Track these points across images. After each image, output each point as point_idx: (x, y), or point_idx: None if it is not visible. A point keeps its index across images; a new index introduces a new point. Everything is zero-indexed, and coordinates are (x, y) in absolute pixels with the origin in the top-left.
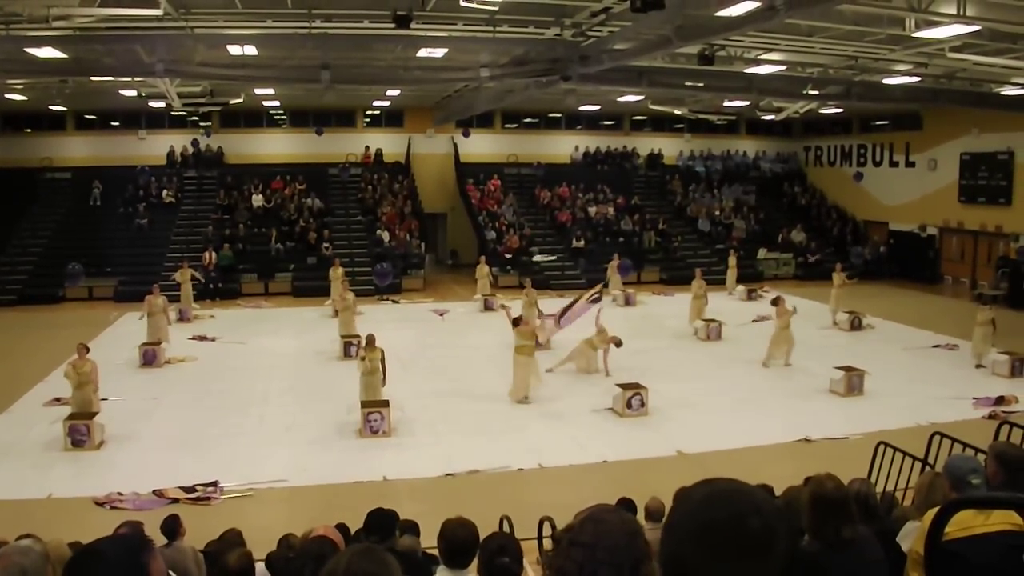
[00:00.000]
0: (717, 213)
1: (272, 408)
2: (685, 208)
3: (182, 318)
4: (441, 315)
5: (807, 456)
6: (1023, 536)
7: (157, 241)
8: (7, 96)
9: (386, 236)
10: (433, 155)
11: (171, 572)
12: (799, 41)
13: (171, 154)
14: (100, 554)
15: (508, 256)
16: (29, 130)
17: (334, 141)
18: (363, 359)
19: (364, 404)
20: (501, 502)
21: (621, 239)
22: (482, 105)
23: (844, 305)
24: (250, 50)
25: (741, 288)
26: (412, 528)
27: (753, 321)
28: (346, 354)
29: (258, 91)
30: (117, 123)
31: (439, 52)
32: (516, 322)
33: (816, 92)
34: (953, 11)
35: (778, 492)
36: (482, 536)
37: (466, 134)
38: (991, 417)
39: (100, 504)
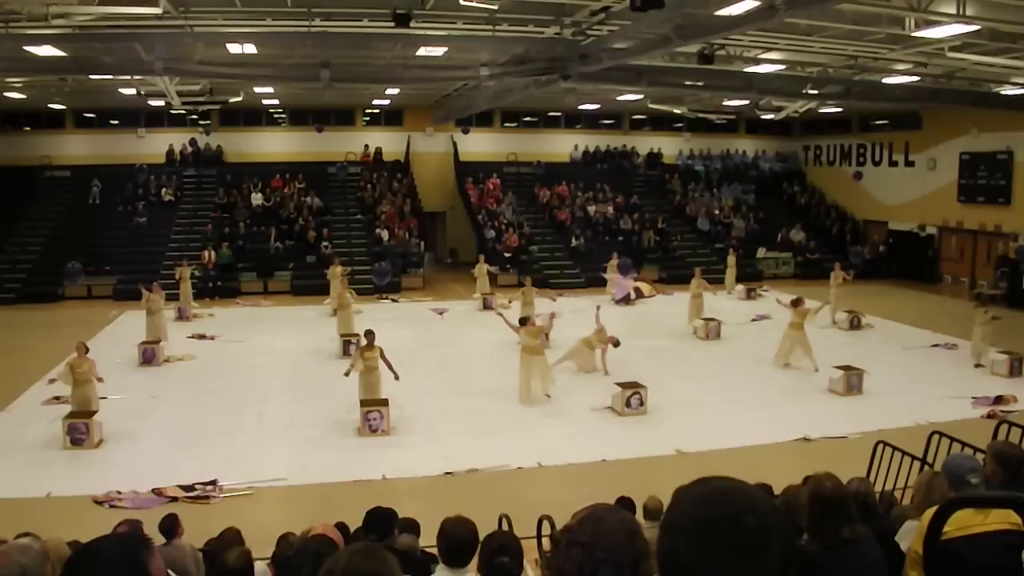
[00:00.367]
0: (716, 212)
1: (271, 407)
2: (684, 207)
3: (181, 317)
4: (440, 314)
5: (806, 455)
6: (1021, 535)
7: (156, 240)
8: (6, 94)
9: (385, 235)
10: (432, 154)
11: (170, 571)
12: (799, 40)
13: (170, 152)
14: (99, 553)
15: (507, 255)
16: (28, 128)
17: (333, 140)
18: (359, 357)
19: (363, 403)
20: (500, 501)
21: (620, 238)
22: (482, 104)
23: (843, 304)
24: (249, 48)
25: (740, 287)
26: (411, 527)
27: (752, 320)
28: (345, 352)
29: (257, 89)
30: (116, 121)
31: (439, 51)
32: (523, 322)
33: (816, 91)
34: (953, 11)
35: (777, 491)
36: (481, 535)
37: (466, 131)
38: (990, 416)
39: (99, 503)
